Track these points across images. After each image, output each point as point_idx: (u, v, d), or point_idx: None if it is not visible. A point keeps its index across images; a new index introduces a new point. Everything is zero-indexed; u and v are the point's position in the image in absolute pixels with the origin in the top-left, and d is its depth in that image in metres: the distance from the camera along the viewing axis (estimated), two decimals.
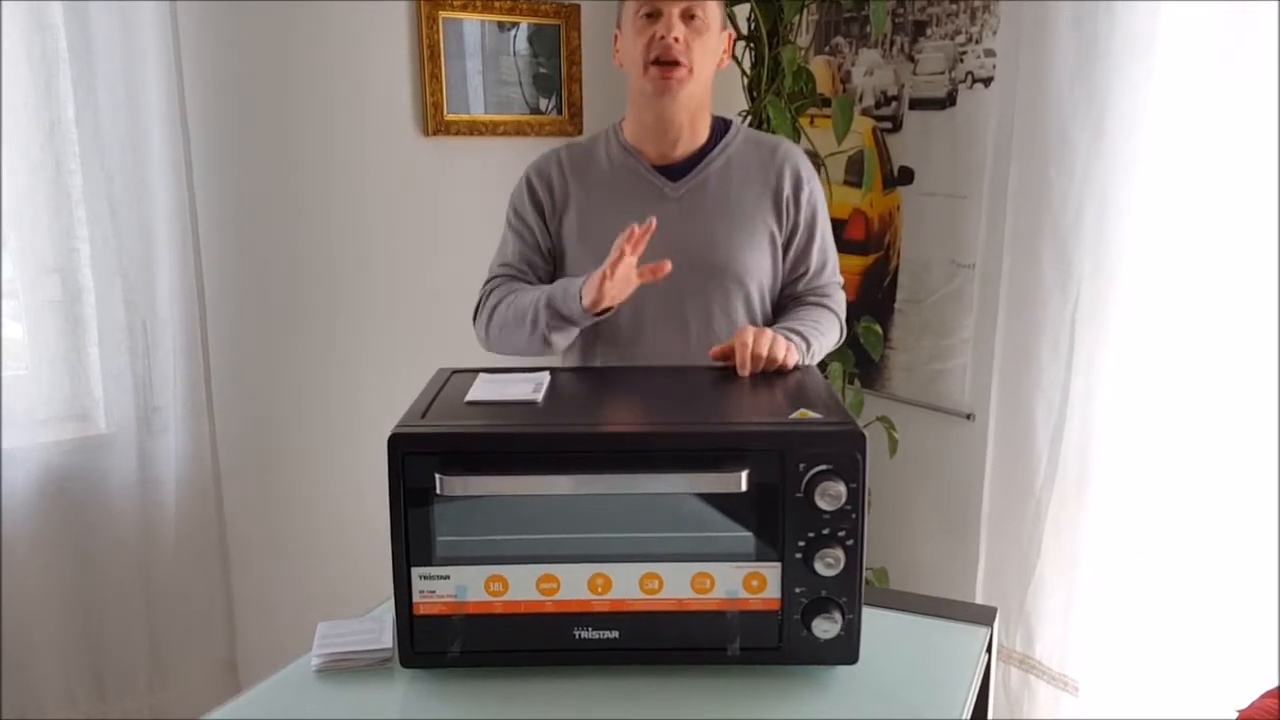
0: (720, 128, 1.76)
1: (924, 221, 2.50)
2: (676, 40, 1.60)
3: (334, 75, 2.34)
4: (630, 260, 1.49)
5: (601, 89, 2.71)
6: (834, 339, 1.75)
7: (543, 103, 2.64)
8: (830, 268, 1.80)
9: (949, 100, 2.41)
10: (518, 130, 2.59)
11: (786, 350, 1.46)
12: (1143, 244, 2.03)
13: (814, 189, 1.76)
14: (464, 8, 2.46)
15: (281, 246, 2.34)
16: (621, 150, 1.74)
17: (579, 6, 2.62)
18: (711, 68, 1.69)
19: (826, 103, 2.51)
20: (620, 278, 1.50)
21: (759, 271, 1.71)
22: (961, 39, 2.36)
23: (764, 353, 1.43)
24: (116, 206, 2.04)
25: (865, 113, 2.59)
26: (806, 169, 1.76)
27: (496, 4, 2.50)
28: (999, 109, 2.28)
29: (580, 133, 2.69)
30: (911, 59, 2.48)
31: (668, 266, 1.50)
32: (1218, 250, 1.93)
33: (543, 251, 1.76)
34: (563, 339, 1.65)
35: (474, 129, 2.53)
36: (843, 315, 1.79)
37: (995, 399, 2.35)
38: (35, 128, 1.99)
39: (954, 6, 2.36)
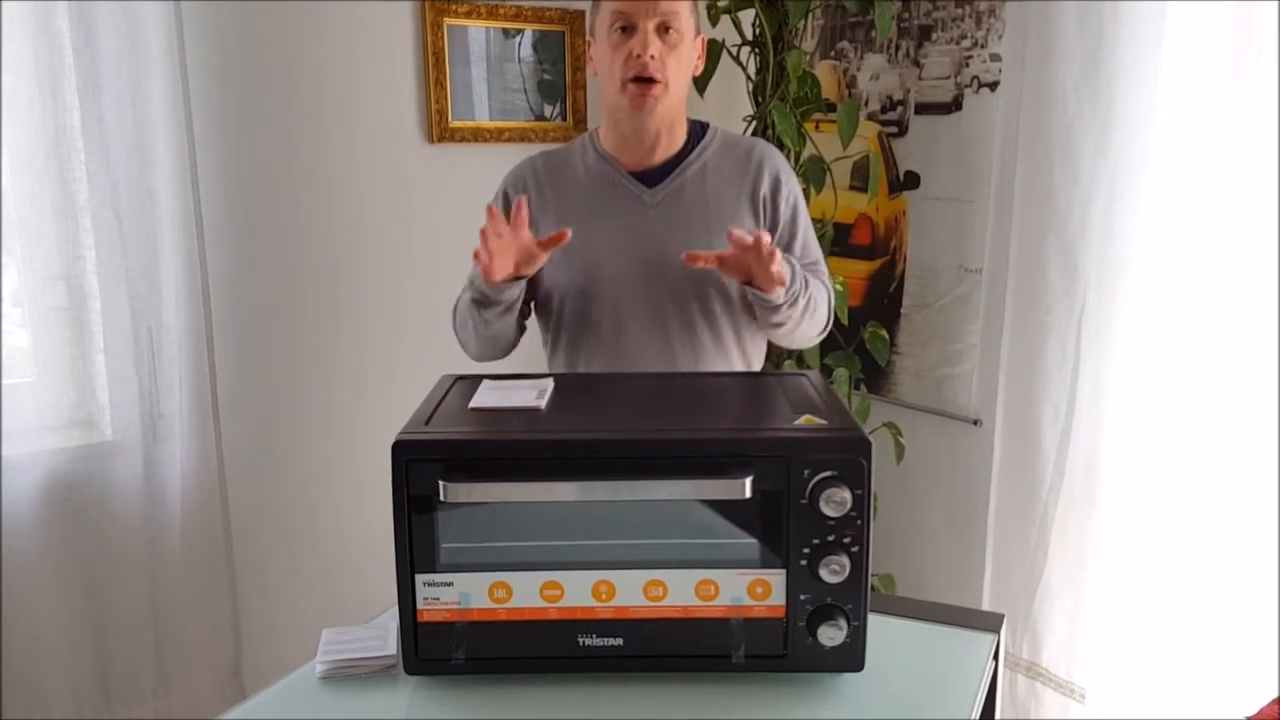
0: (697, 131, 1.76)
1: (930, 226, 2.49)
2: (653, 58, 1.60)
3: (339, 83, 2.34)
4: (507, 233, 1.52)
5: None
6: (824, 308, 1.74)
7: (547, 109, 2.64)
8: (820, 266, 1.80)
9: (955, 105, 2.41)
10: (522, 137, 2.59)
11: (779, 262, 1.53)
12: (1149, 248, 2.03)
13: (792, 188, 1.76)
14: (469, 15, 2.47)
15: (287, 253, 2.35)
16: (598, 158, 1.74)
17: (583, 12, 2.62)
18: (687, 77, 1.69)
19: (832, 108, 2.50)
20: (501, 250, 1.53)
21: None
22: (967, 43, 2.36)
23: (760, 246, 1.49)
24: (122, 213, 2.05)
25: (871, 117, 2.59)
26: (785, 170, 1.76)
27: (501, 11, 2.51)
28: (1005, 113, 2.28)
29: None
30: (917, 64, 2.48)
31: (567, 235, 1.52)
32: (1224, 255, 1.93)
33: None
34: (500, 321, 1.67)
35: (479, 136, 2.53)
36: (831, 302, 1.78)
37: (1002, 404, 2.34)
38: (40, 135, 1.99)
39: (959, 11, 2.36)
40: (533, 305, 1.82)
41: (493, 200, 1.79)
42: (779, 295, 1.59)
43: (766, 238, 1.49)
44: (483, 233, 1.49)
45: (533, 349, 1.88)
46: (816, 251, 1.81)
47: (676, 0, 1.62)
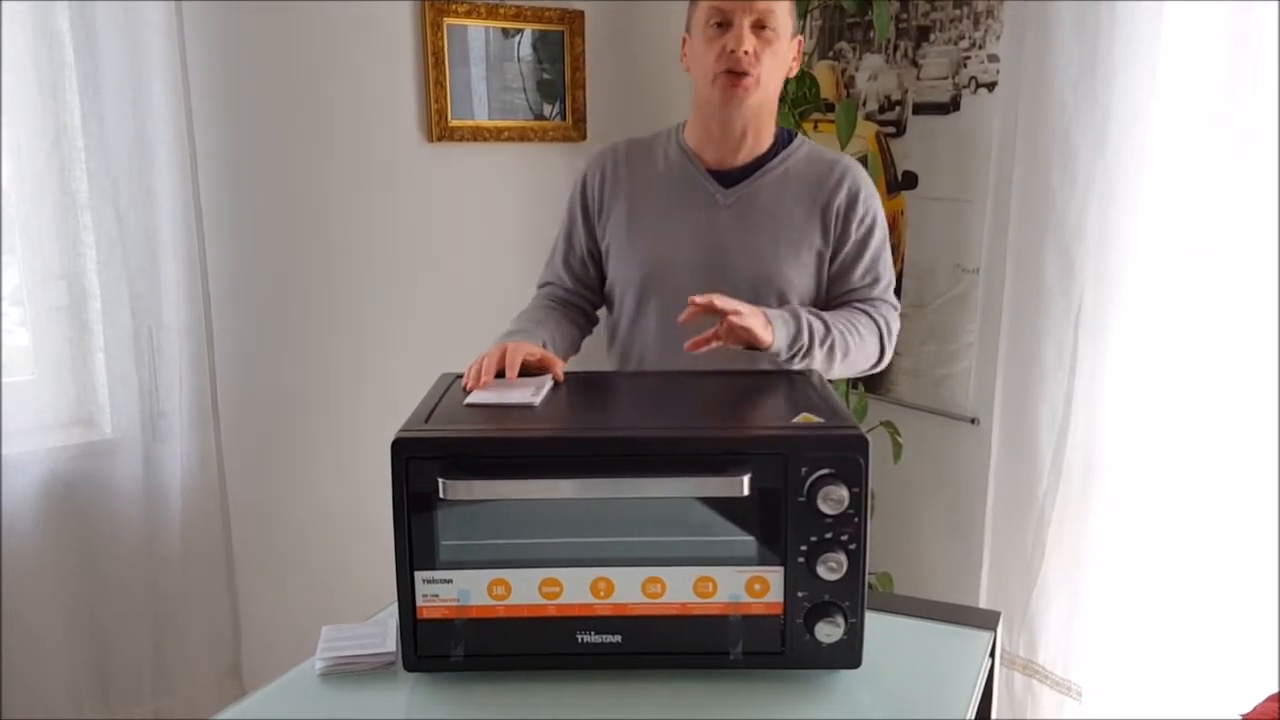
0: (784, 139, 1.74)
1: (928, 226, 2.50)
2: (747, 53, 1.58)
3: (339, 82, 2.35)
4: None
5: (605, 95, 2.72)
6: (872, 347, 1.67)
7: (547, 109, 2.65)
8: (882, 286, 1.73)
9: (952, 105, 2.41)
10: (522, 136, 2.60)
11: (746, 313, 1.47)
12: (1146, 248, 2.03)
13: (871, 208, 1.71)
14: (468, 14, 2.47)
15: (287, 253, 2.35)
16: (680, 152, 1.74)
17: (583, 12, 2.63)
18: (781, 76, 1.67)
19: (830, 108, 2.51)
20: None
21: (801, 286, 1.69)
22: (965, 44, 2.36)
23: (718, 303, 1.45)
24: (122, 213, 2.05)
25: (869, 118, 2.59)
26: (867, 188, 1.72)
27: (501, 10, 2.51)
28: (1002, 114, 2.28)
29: (584, 138, 2.69)
30: (915, 64, 2.48)
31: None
32: (1221, 254, 1.93)
33: (584, 256, 1.79)
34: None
35: (478, 135, 2.54)
36: (887, 330, 1.70)
37: (999, 404, 2.35)
38: (41, 134, 1.99)
39: (957, 12, 2.37)
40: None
41: (575, 182, 1.80)
42: (778, 351, 1.54)
43: (721, 301, 1.46)
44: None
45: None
46: (884, 276, 1.74)
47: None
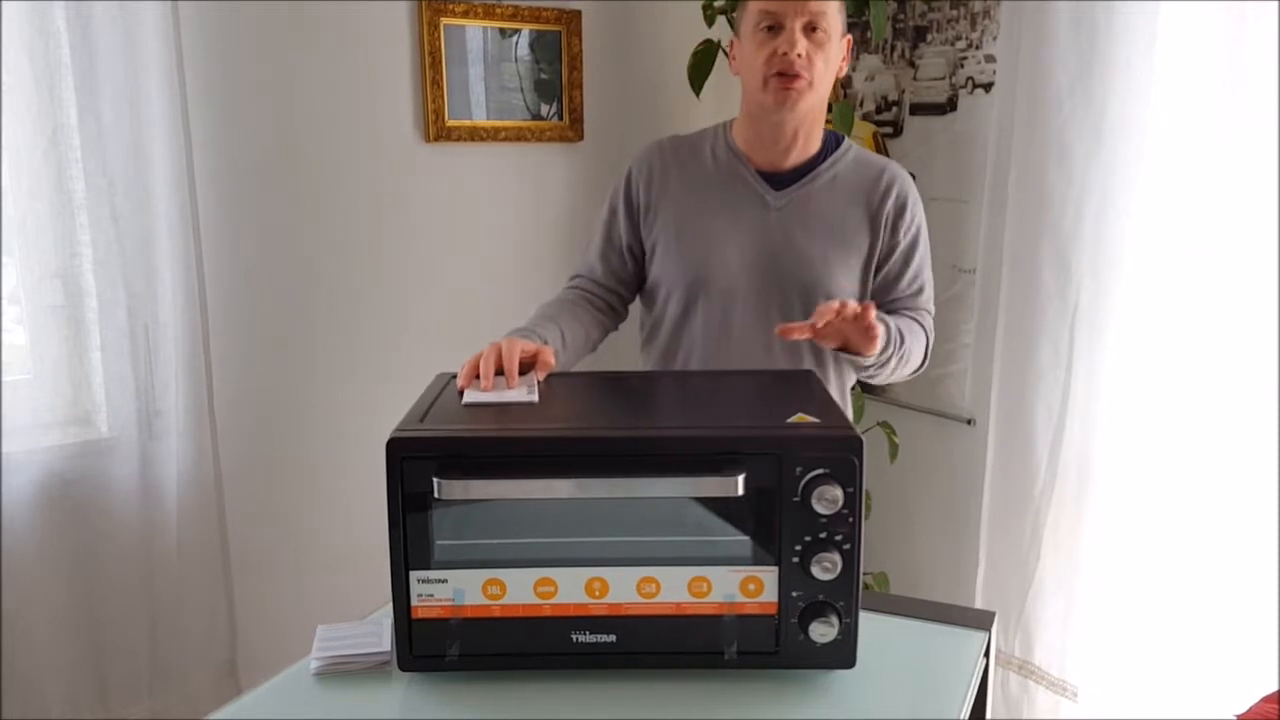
0: (831, 143, 1.74)
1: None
2: (799, 56, 1.58)
3: (336, 82, 2.35)
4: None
5: (603, 95, 2.72)
6: (919, 354, 1.70)
7: (544, 109, 2.65)
8: (925, 296, 1.76)
9: (949, 105, 2.41)
10: (519, 136, 2.60)
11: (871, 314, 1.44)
12: (1142, 248, 2.04)
13: (917, 216, 1.72)
14: (465, 14, 2.47)
15: (283, 252, 2.35)
16: (728, 152, 1.73)
17: (580, 12, 2.63)
18: (832, 78, 1.66)
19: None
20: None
21: (848, 290, 1.69)
22: (962, 44, 2.36)
23: (847, 313, 1.42)
24: (118, 212, 2.05)
25: (866, 118, 2.59)
26: (913, 196, 1.72)
27: (498, 10, 2.51)
28: (999, 114, 2.29)
29: (581, 139, 2.69)
30: (912, 64, 2.48)
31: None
32: (1217, 255, 1.94)
33: (623, 252, 1.78)
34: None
35: (475, 135, 2.54)
36: (930, 338, 1.74)
37: (995, 404, 2.35)
38: (37, 133, 1.99)
39: (954, 12, 2.37)
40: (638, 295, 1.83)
41: (618, 179, 1.78)
42: (869, 359, 1.56)
43: (851, 305, 1.43)
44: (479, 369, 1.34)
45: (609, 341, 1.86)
46: (927, 284, 1.77)
47: (825, 0, 1.59)
